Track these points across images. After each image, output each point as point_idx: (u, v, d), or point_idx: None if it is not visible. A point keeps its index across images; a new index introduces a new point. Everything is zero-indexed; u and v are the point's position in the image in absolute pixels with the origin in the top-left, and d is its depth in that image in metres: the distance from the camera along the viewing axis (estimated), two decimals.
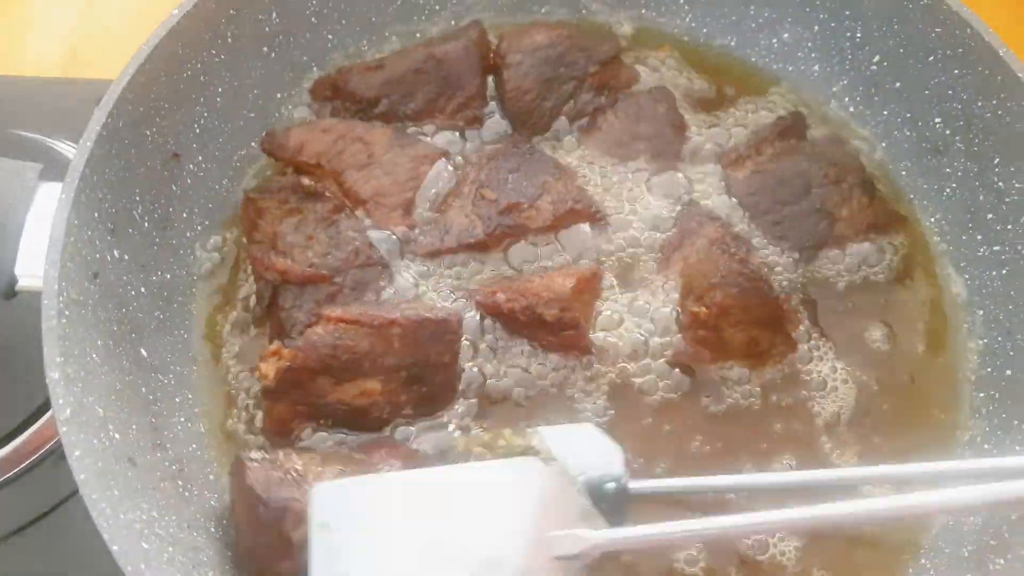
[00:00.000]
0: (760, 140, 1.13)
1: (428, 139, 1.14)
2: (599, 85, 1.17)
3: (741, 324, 1.00)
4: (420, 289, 1.04)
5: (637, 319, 1.03)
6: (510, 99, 1.15)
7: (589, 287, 1.02)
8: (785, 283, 1.06)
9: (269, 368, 0.93)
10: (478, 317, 1.02)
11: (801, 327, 1.04)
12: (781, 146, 1.13)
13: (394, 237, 1.06)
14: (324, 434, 0.97)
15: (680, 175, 1.12)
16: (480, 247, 1.06)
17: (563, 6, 1.29)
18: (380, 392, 0.96)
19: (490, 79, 1.18)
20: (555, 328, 0.99)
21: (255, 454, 0.89)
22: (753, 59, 1.25)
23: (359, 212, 1.08)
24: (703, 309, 0.99)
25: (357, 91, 1.15)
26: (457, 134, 1.16)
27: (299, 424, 0.97)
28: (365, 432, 0.97)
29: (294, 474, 0.87)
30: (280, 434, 0.97)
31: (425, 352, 0.96)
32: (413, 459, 0.94)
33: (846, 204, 1.09)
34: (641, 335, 1.02)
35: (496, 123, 1.17)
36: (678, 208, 1.10)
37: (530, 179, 1.07)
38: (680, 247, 1.05)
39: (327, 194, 1.08)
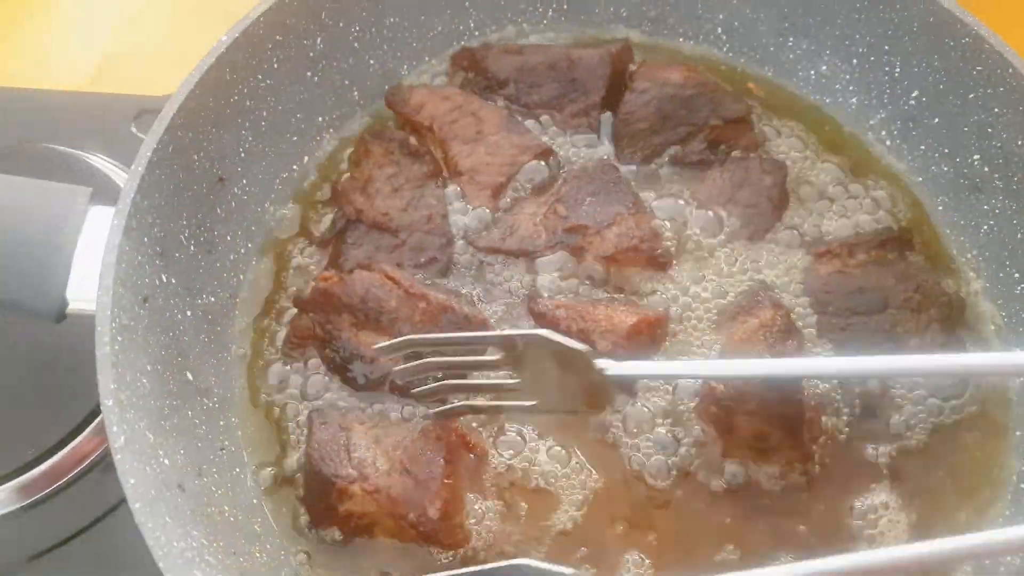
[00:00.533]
0: (857, 243, 1.09)
1: (536, 133, 1.18)
2: (714, 140, 1.17)
3: (755, 415, 0.95)
4: (472, 277, 1.08)
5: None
6: (621, 121, 1.17)
7: (650, 330, 1.02)
8: (820, 391, 1.01)
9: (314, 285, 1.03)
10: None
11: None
12: (876, 255, 1.09)
13: (475, 219, 1.11)
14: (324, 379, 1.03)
15: (762, 252, 1.10)
16: (536, 257, 1.08)
17: (588, 26, 1.30)
18: None
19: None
20: None
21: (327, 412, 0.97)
22: (791, 89, 1.26)
23: (453, 183, 1.13)
24: (721, 386, 0.96)
25: (491, 68, 1.21)
26: (566, 137, 1.19)
27: (312, 344, 1.03)
28: (355, 387, 1.01)
29: (348, 452, 0.93)
30: (295, 346, 1.04)
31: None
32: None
33: (918, 335, 1.03)
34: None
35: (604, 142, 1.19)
36: (746, 282, 1.08)
37: (605, 206, 1.08)
38: (733, 320, 1.04)
39: (427, 158, 1.15)
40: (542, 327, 1.02)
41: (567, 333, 0.99)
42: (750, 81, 1.26)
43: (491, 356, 0.93)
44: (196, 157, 1.03)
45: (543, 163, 1.14)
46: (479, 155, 1.14)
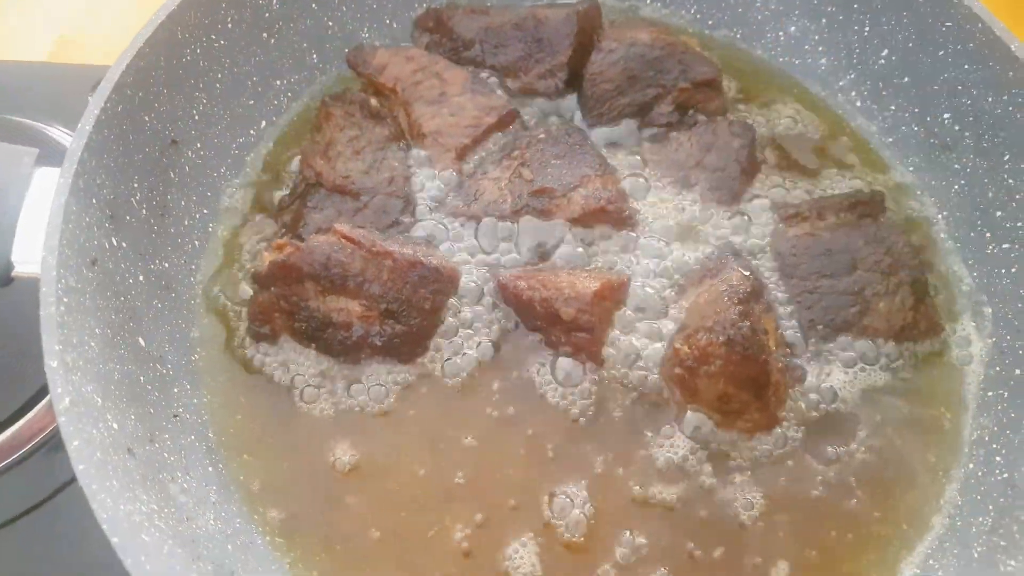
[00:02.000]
0: (827, 205, 1.07)
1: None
2: (682, 102, 1.14)
3: (718, 376, 0.93)
4: (441, 240, 1.05)
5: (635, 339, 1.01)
6: (588, 81, 1.15)
7: (613, 295, 1.00)
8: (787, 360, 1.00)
9: (268, 256, 0.98)
10: (482, 288, 1.02)
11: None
12: (846, 218, 1.06)
13: (439, 183, 1.08)
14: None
15: (729, 217, 1.08)
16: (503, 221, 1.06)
17: None
18: (358, 315, 0.98)
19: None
20: (569, 328, 0.98)
21: None
22: (759, 51, 1.24)
23: (416, 146, 1.11)
24: (685, 348, 0.95)
25: (456, 29, 1.19)
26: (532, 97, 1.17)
27: (278, 319, 1.00)
28: (331, 353, 0.99)
29: None
30: (258, 321, 1.01)
31: (409, 292, 0.98)
32: None
33: (887, 298, 1.02)
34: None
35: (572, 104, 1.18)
36: (713, 246, 1.06)
37: (571, 169, 1.06)
38: (699, 283, 1.02)
39: (389, 120, 1.13)
40: (507, 297, 1.01)
41: (530, 304, 0.98)
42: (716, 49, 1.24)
43: None
44: (147, 118, 1.00)
45: (518, 125, 1.13)
46: (443, 116, 1.11)
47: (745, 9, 1.23)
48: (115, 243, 0.94)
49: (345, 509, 0.93)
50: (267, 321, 1.00)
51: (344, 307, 0.98)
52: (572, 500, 0.93)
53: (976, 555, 0.91)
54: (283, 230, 1.08)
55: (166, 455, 0.90)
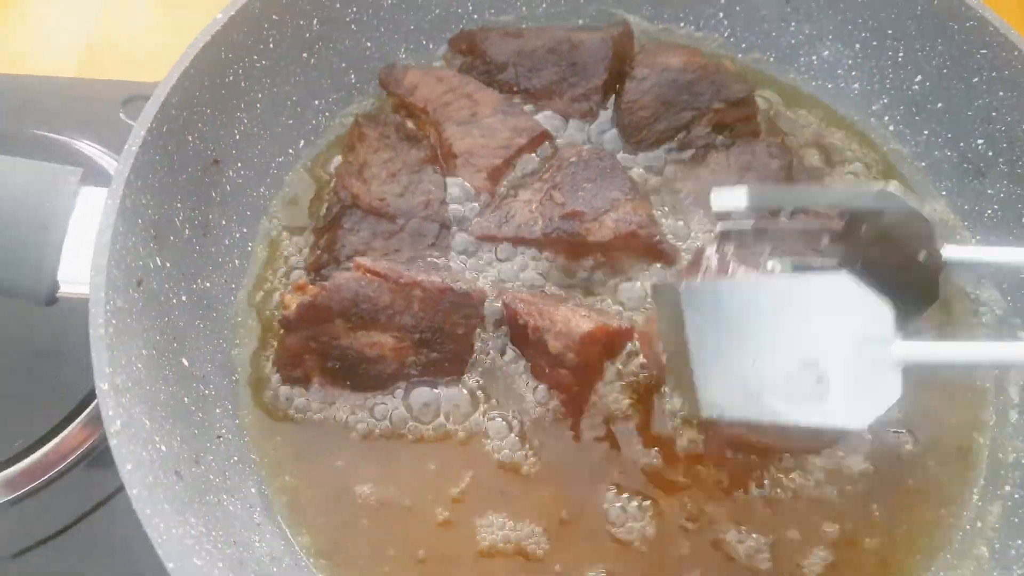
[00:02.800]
0: None
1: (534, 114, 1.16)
2: (718, 123, 1.15)
3: None
4: (468, 262, 1.06)
5: None
6: (624, 110, 1.15)
7: (606, 341, 0.98)
8: None
9: (292, 300, 0.96)
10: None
11: None
12: None
13: (474, 204, 1.09)
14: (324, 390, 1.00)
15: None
16: (533, 246, 1.07)
17: (588, 11, 1.29)
18: (391, 347, 0.97)
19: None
20: (553, 362, 0.97)
21: None
22: (791, 75, 1.25)
23: (449, 166, 1.11)
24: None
25: (490, 52, 1.19)
26: (566, 121, 1.18)
27: (309, 360, 0.98)
28: (367, 389, 0.99)
29: None
30: (289, 366, 0.99)
31: (442, 320, 0.97)
32: None
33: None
34: None
35: (606, 127, 1.18)
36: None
37: (603, 193, 1.07)
38: None
39: (424, 142, 1.13)
40: (507, 316, 1.01)
41: (523, 327, 0.98)
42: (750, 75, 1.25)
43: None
44: (190, 138, 1.00)
45: (536, 151, 1.13)
46: (474, 137, 1.12)
47: (779, 34, 1.24)
48: (159, 263, 0.95)
49: (386, 533, 0.94)
50: (298, 364, 0.99)
51: (376, 341, 0.97)
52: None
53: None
54: (319, 250, 1.08)
55: (211, 476, 0.90)
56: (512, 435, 0.98)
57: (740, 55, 1.27)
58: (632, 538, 0.93)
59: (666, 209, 1.12)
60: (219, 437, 0.95)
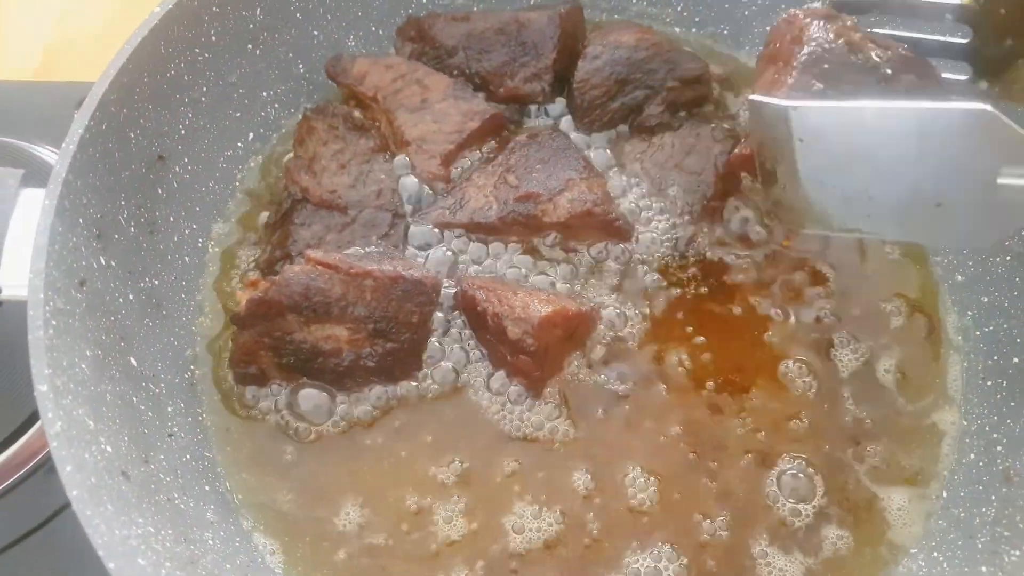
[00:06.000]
0: None
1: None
2: (672, 102, 1.14)
3: None
4: (426, 251, 1.06)
5: None
6: (576, 89, 1.14)
7: (567, 324, 0.98)
8: None
9: (244, 296, 0.96)
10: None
11: None
12: None
13: (427, 191, 1.08)
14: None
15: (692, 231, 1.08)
16: (489, 230, 1.06)
17: None
18: (346, 340, 0.96)
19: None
20: (514, 348, 0.96)
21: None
22: (746, 47, 1.23)
23: (401, 153, 1.10)
24: None
25: (439, 37, 1.17)
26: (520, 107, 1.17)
27: (264, 357, 0.97)
28: (324, 383, 0.99)
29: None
30: (243, 363, 0.98)
31: (395, 309, 0.96)
32: None
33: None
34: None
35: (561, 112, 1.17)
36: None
37: (556, 173, 1.06)
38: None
39: (373, 132, 1.12)
40: (464, 303, 1.00)
41: (482, 314, 0.97)
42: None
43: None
44: (132, 135, 0.99)
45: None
46: (426, 123, 1.10)
47: (732, 5, 1.22)
48: (103, 262, 0.93)
49: (343, 528, 0.93)
50: (253, 361, 0.98)
51: (331, 334, 0.96)
52: None
53: (980, 546, 0.90)
54: (271, 247, 1.06)
55: (162, 475, 0.89)
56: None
57: (694, 30, 1.25)
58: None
59: (620, 187, 1.10)
60: (170, 435, 0.94)
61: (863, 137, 0.81)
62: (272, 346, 0.96)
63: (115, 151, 0.96)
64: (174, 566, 0.80)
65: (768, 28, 1.18)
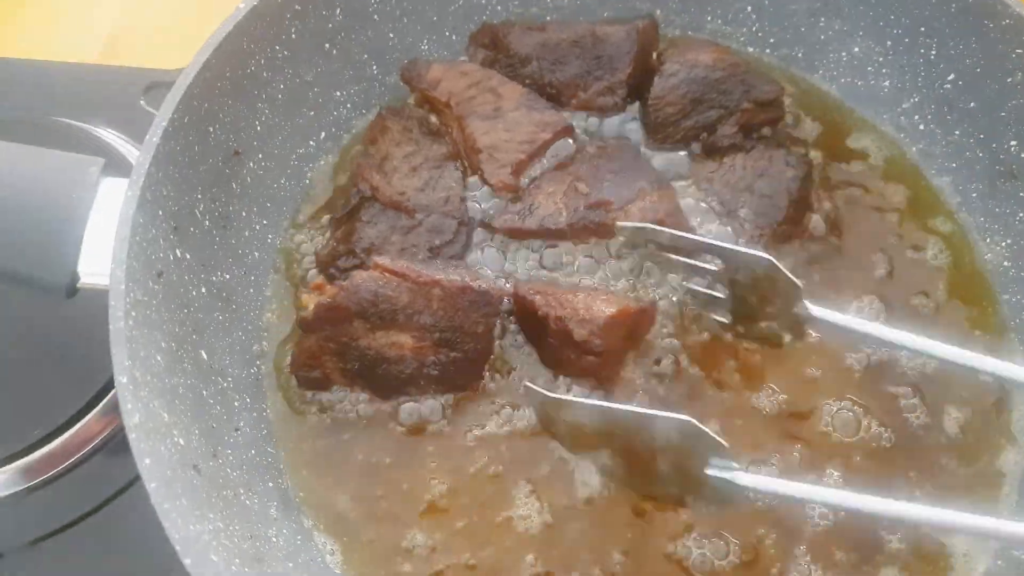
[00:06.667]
0: None
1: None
2: (745, 123, 1.13)
3: None
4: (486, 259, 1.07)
5: None
6: (652, 106, 1.13)
7: (630, 322, 0.98)
8: None
9: (310, 300, 0.95)
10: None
11: None
12: None
13: (495, 200, 1.09)
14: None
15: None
16: (559, 236, 1.06)
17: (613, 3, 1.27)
18: (410, 347, 0.96)
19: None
20: (580, 350, 0.96)
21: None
22: (820, 71, 1.23)
23: (473, 161, 1.10)
24: None
25: (513, 46, 1.17)
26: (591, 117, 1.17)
27: (327, 362, 0.97)
28: (385, 391, 0.99)
29: None
30: (306, 367, 0.98)
31: (461, 318, 0.96)
32: None
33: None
34: None
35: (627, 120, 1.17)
36: None
37: (628, 183, 1.06)
38: None
39: (447, 138, 1.12)
40: (519, 308, 1.01)
41: (543, 319, 0.97)
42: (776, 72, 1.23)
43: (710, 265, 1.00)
44: (211, 129, 0.99)
45: (568, 140, 1.12)
46: (497, 132, 1.10)
47: (808, 28, 1.21)
48: (179, 255, 0.94)
49: (405, 528, 0.93)
50: (316, 365, 0.98)
51: (395, 341, 0.96)
52: None
53: None
54: (335, 241, 1.07)
55: (229, 471, 0.90)
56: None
57: (768, 51, 1.25)
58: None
59: (688, 205, 1.10)
60: (237, 430, 0.95)
61: None
62: (337, 351, 0.96)
63: (195, 144, 0.97)
64: (243, 563, 0.80)
65: (844, 54, 1.21)
